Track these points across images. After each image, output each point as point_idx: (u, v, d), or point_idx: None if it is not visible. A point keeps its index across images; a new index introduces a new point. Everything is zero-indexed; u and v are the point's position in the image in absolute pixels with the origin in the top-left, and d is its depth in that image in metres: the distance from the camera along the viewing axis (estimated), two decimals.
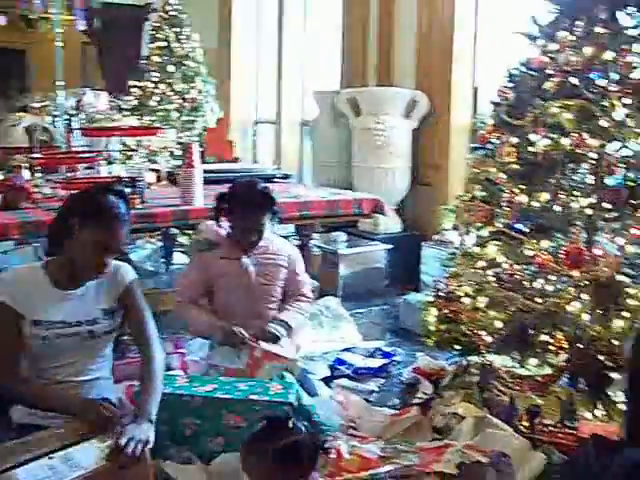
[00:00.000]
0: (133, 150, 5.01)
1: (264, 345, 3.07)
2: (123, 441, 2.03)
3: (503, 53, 4.68)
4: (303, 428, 2.02)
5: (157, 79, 6.81)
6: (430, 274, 4.43)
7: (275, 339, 3.16)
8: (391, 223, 5.26)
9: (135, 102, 6.78)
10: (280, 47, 7.73)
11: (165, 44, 6.86)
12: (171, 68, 6.81)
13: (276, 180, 4.85)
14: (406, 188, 5.44)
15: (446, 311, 3.10)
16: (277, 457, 1.92)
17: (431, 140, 5.43)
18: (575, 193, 2.84)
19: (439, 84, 5.39)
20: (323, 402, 3.10)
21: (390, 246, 5.00)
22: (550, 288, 2.82)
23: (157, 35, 6.93)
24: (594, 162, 2.83)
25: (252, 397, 2.63)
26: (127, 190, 3.57)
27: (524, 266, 2.87)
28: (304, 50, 7.62)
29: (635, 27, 2.98)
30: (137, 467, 2.07)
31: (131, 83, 6.88)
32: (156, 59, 6.85)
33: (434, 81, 5.43)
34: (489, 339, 2.96)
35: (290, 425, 2.00)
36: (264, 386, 2.72)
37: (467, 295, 3.02)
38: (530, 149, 2.96)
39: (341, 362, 3.68)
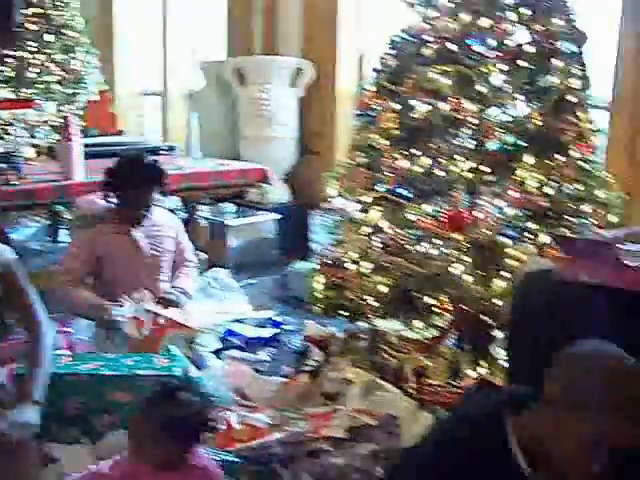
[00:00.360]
0: (9, 124, 4.81)
1: (166, 313, 3.06)
2: (3, 427, 1.98)
3: (388, 20, 4.70)
4: (189, 400, 2.00)
5: (34, 49, 6.52)
6: (319, 242, 4.45)
7: (176, 306, 3.16)
8: (280, 193, 5.25)
9: (11, 73, 6.48)
10: (165, 15, 7.54)
11: (41, 11, 6.55)
12: (49, 37, 6.52)
13: (161, 152, 4.77)
14: (294, 157, 5.43)
15: (332, 278, 3.11)
16: (162, 428, 1.90)
17: (317, 108, 5.43)
18: (456, 157, 2.89)
19: (324, 52, 5.38)
20: (212, 374, 3.08)
21: (279, 216, 4.99)
22: (433, 252, 2.87)
23: (31, 0, 6.60)
24: (474, 127, 2.89)
25: (137, 372, 2.58)
26: (2, 165, 3.46)
27: (407, 231, 2.91)
28: (190, 19, 7.46)
29: None
30: (20, 452, 2.02)
31: (4, 52, 6.55)
32: (32, 27, 6.53)
33: (319, 49, 5.42)
34: (375, 304, 3.00)
35: (176, 397, 1.97)
36: (150, 360, 2.68)
37: (352, 261, 3.04)
38: (410, 115, 2.99)
39: (232, 333, 3.66)
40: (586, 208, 2.93)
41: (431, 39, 3.05)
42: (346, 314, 3.20)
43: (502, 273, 2.74)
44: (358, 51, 5.45)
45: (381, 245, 2.95)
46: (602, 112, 3.75)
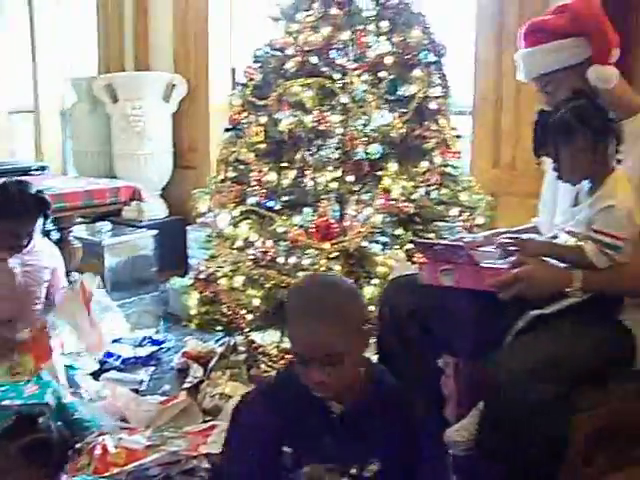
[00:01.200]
0: None
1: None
2: None
3: (259, 33, 4.72)
4: (52, 426, 1.95)
5: None
6: (196, 257, 4.41)
7: None
8: (156, 209, 5.19)
9: None
10: (33, 30, 7.33)
11: None
12: None
13: (32, 173, 4.63)
14: (169, 172, 5.38)
15: (207, 293, 3.10)
16: (21, 455, 1.84)
17: (191, 123, 5.40)
18: (322, 168, 2.93)
19: (196, 67, 5.35)
20: (88, 398, 3.03)
21: (156, 232, 4.93)
22: (304, 262, 2.90)
23: None
24: (338, 137, 2.94)
25: (4, 403, 2.51)
26: None
27: (277, 243, 2.93)
28: (61, 34, 7.27)
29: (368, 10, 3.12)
30: None
31: None
32: None
33: (191, 64, 5.39)
34: (250, 317, 3.00)
35: (37, 423, 1.92)
36: (18, 389, 2.61)
37: (225, 276, 3.03)
38: (276, 128, 3.02)
39: (109, 354, 3.59)
40: (452, 212, 3.03)
41: (293, 52, 3.09)
42: (222, 329, 3.19)
43: (371, 280, 2.79)
44: (230, 65, 5.44)
45: (252, 258, 2.95)
46: (468, 117, 3.89)
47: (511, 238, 2.08)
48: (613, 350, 2.03)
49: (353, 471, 1.75)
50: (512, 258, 1.99)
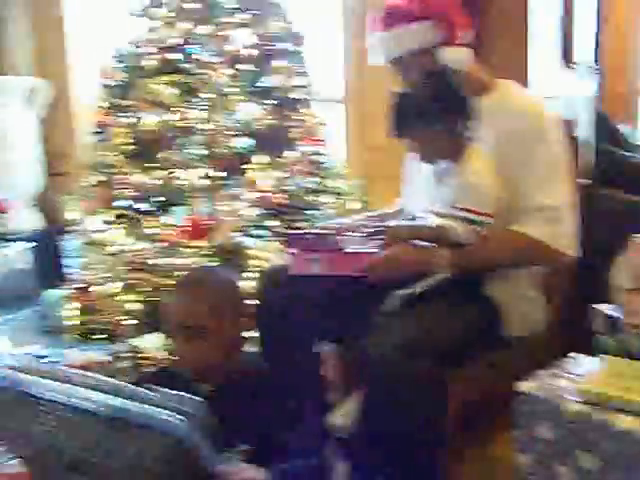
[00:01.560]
0: None
1: None
2: None
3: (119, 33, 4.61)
4: None
5: None
6: (73, 267, 4.30)
7: None
8: (30, 220, 5.02)
9: None
10: None
11: None
12: None
13: None
14: (39, 181, 5.21)
15: (84, 302, 3.03)
16: None
17: (59, 128, 5.24)
18: (190, 166, 2.90)
19: (59, 69, 5.19)
20: None
21: (32, 244, 4.76)
22: (179, 262, 2.86)
23: None
24: (204, 134, 2.91)
25: None
26: None
27: (150, 245, 2.88)
28: None
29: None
30: None
31: None
32: None
33: (54, 67, 5.23)
34: (131, 322, 2.95)
35: None
36: None
37: (101, 283, 2.97)
38: (141, 128, 2.97)
39: None
40: (324, 199, 3.05)
41: (153, 50, 3.04)
42: (104, 337, 3.13)
43: (248, 274, 2.78)
44: (96, 66, 5.30)
45: (127, 263, 2.90)
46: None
47: (377, 225, 2.12)
48: (481, 323, 2.09)
49: None
50: (377, 242, 2.02)
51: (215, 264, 2.79)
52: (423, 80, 2.03)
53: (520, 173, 2.07)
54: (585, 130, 2.96)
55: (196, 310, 1.73)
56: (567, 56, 3.66)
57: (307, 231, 2.30)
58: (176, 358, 1.78)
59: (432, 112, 1.97)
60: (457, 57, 2.16)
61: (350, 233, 2.21)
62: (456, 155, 2.02)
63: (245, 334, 1.97)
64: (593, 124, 2.96)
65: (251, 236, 2.90)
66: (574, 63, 3.75)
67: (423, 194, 2.16)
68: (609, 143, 3.51)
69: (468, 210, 1.96)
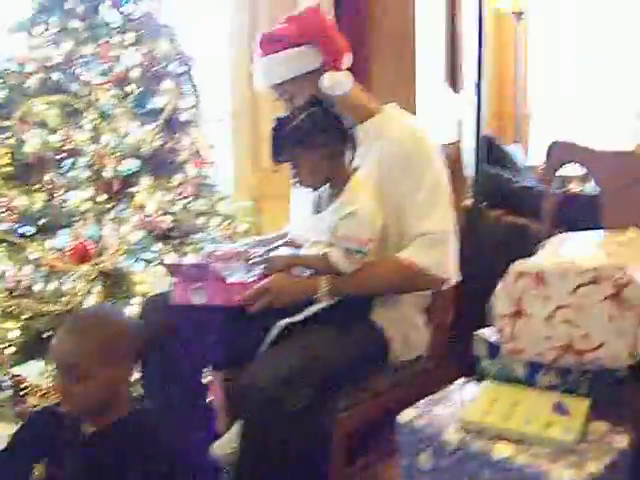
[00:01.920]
0: None
1: None
2: None
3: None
4: None
5: None
6: None
7: None
8: None
9: None
10: None
11: None
12: None
13: None
14: None
15: None
16: None
17: None
18: (74, 188, 2.82)
19: None
20: None
21: None
22: (65, 287, 2.78)
23: None
24: (89, 156, 2.84)
25: None
26: None
27: (33, 270, 2.78)
28: None
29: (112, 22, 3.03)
30: None
31: None
32: None
33: None
34: (10, 351, 2.84)
35: None
36: None
37: None
38: (23, 150, 2.87)
39: None
40: (213, 222, 3.02)
41: (35, 69, 2.95)
42: None
43: (133, 300, 2.72)
44: None
45: (8, 288, 2.79)
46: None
47: (259, 253, 2.12)
48: (366, 349, 2.10)
49: None
50: (259, 271, 2.01)
51: (98, 290, 2.72)
52: (301, 106, 2.03)
53: (402, 199, 2.10)
54: (471, 153, 3.02)
55: (82, 352, 1.68)
56: (452, 79, 3.76)
57: (188, 260, 2.27)
58: (62, 397, 1.72)
59: (309, 138, 1.97)
60: (337, 82, 2.18)
61: (234, 261, 2.20)
62: (337, 182, 2.03)
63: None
64: (480, 147, 3.03)
65: (138, 260, 2.84)
66: (460, 86, 3.85)
67: (307, 220, 2.16)
68: (496, 165, 3.61)
69: (349, 239, 1.97)
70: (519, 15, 4.99)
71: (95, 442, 1.76)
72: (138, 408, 1.89)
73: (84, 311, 2.01)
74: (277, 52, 2.18)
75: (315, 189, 2.08)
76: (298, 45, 2.17)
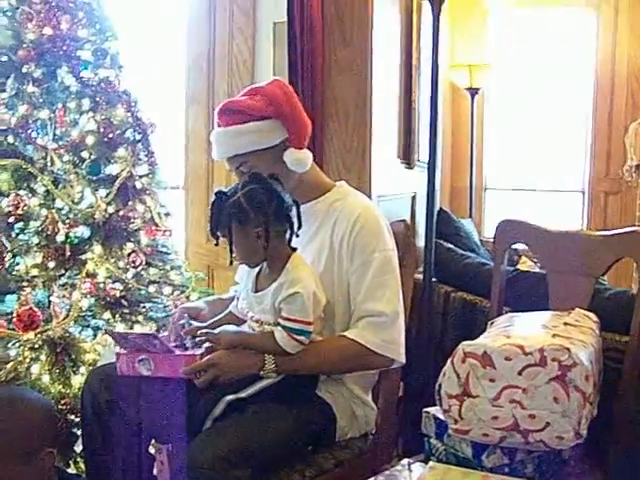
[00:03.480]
0: None
1: None
2: None
3: None
4: None
5: None
6: None
7: None
8: None
9: None
10: None
11: None
12: None
13: None
14: None
15: None
16: None
17: None
18: (23, 253, 2.79)
19: None
20: None
21: None
22: (11, 353, 2.72)
23: None
24: (40, 221, 2.81)
25: None
26: None
27: None
28: None
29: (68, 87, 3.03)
30: None
31: None
32: None
33: None
34: None
35: None
36: None
37: None
38: None
39: None
40: (165, 290, 2.99)
41: None
42: None
43: (80, 369, 2.67)
44: None
45: None
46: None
47: (205, 327, 2.10)
48: (313, 425, 2.09)
49: None
50: (206, 345, 2.00)
51: (44, 358, 2.67)
52: (245, 182, 2.01)
53: (351, 278, 2.10)
54: (424, 227, 3.05)
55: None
56: (405, 154, 3.81)
57: (133, 332, 2.25)
58: None
59: (249, 216, 1.95)
60: (301, 160, 2.17)
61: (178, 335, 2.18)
62: (275, 261, 2.02)
63: None
64: (433, 221, 3.05)
65: (87, 328, 2.80)
66: (413, 161, 3.91)
67: (248, 296, 2.13)
68: (450, 239, 3.65)
69: (292, 320, 1.97)
70: (475, 90, 5.10)
71: None
72: None
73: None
74: (238, 124, 2.16)
75: (251, 267, 2.07)
76: (262, 119, 2.15)
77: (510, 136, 5.61)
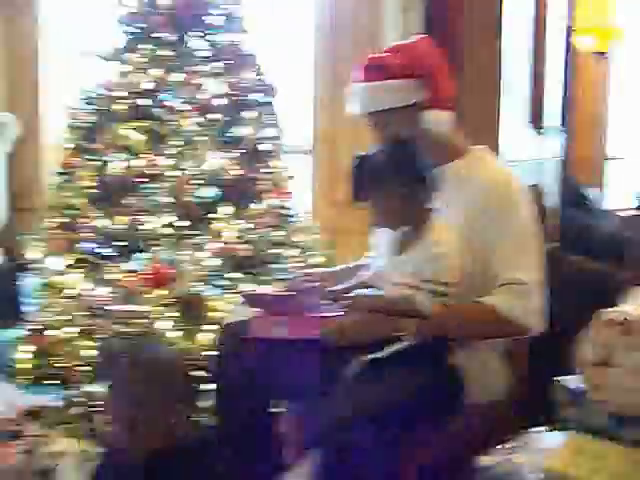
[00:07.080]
0: None
1: None
2: None
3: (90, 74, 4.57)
4: None
5: None
6: (30, 307, 4.20)
7: None
8: None
9: None
10: None
11: None
12: None
13: None
14: (4, 215, 5.14)
15: (39, 345, 2.95)
16: None
17: (26, 164, 5.19)
18: (154, 213, 2.87)
19: (29, 105, 5.15)
20: None
21: None
22: (138, 310, 2.81)
23: None
24: (170, 181, 2.88)
25: None
26: None
27: (110, 291, 2.83)
28: None
29: (201, 50, 3.09)
30: None
31: None
32: None
33: (23, 102, 5.18)
34: (86, 368, 2.88)
35: None
36: None
37: (56, 327, 2.90)
38: (107, 172, 2.93)
39: None
40: (289, 253, 3.02)
41: (124, 94, 3.02)
42: (57, 382, 3.04)
43: (207, 326, 2.73)
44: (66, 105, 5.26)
45: (84, 308, 2.84)
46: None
47: (342, 290, 2.10)
48: (441, 386, 2.06)
49: None
50: (341, 307, 2.01)
51: (174, 315, 2.74)
52: (385, 145, 1.99)
53: (489, 245, 2.05)
54: (552, 195, 2.97)
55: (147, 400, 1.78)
56: (535, 120, 3.70)
57: (270, 292, 2.27)
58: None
59: (389, 179, 1.93)
60: (438, 120, 2.12)
61: (314, 296, 2.18)
62: (417, 224, 1.99)
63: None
64: (560, 189, 2.98)
65: (214, 286, 2.86)
66: (542, 127, 3.80)
67: (389, 260, 2.12)
68: (576, 208, 3.55)
69: (435, 282, 1.94)
70: (601, 55, 4.91)
71: (148, 466, 1.78)
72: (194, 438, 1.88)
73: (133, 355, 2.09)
74: (380, 80, 2.11)
75: (392, 229, 2.06)
76: (403, 77, 2.10)
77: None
